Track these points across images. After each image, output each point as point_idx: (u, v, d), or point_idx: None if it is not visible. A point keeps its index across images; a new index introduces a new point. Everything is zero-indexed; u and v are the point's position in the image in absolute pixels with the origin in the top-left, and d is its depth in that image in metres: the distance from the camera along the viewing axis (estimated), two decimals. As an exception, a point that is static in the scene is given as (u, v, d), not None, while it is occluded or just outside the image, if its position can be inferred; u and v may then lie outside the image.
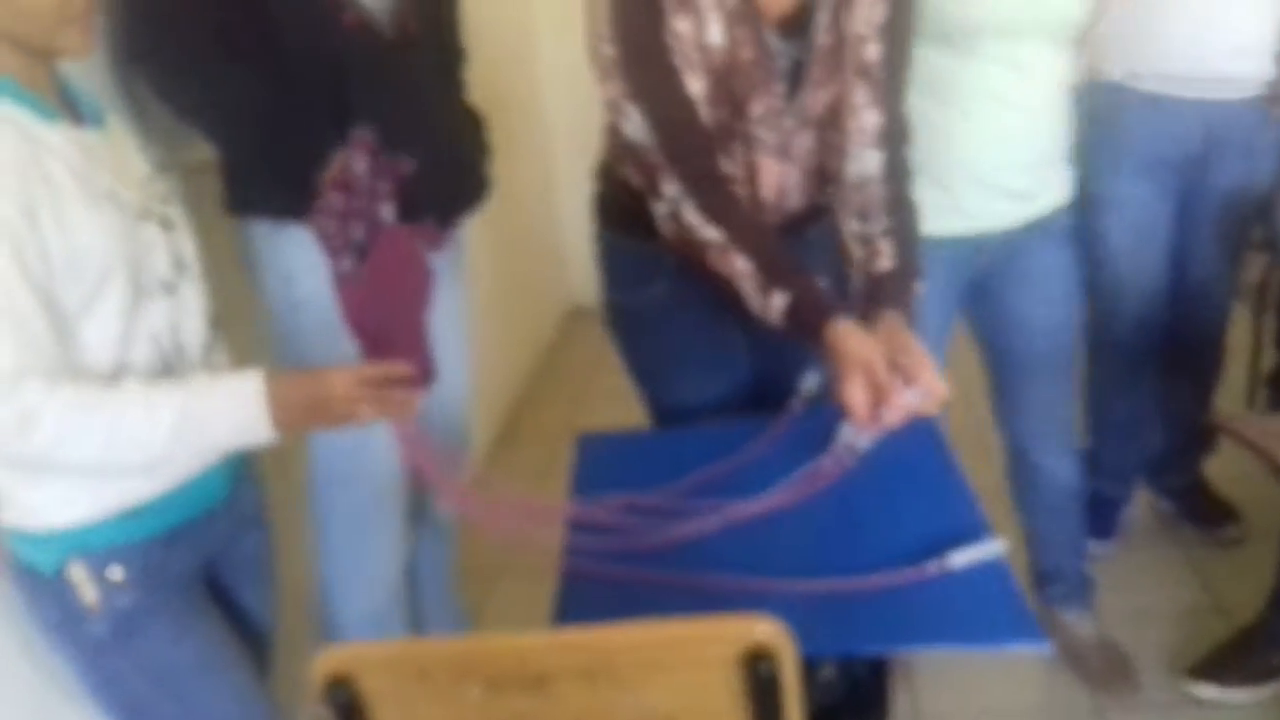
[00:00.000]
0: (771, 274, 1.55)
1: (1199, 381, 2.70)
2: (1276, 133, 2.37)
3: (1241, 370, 3.06)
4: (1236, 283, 2.58)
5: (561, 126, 4.71)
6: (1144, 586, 2.64)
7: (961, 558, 1.31)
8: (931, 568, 1.30)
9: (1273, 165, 2.40)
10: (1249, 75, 2.28)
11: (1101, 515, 2.77)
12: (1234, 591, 2.55)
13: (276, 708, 1.53)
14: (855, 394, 1.44)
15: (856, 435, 1.50)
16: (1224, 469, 2.84)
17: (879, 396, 1.43)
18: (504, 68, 4.02)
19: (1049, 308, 2.19)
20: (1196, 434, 2.76)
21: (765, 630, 1.00)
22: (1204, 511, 2.80)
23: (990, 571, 1.30)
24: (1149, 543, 2.81)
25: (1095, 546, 2.74)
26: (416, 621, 2.18)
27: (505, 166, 3.86)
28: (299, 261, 1.75)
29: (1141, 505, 2.89)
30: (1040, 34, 1.98)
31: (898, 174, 1.68)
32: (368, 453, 1.86)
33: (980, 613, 1.25)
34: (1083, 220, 2.48)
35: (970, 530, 1.37)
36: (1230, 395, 2.95)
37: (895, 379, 1.44)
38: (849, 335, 1.48)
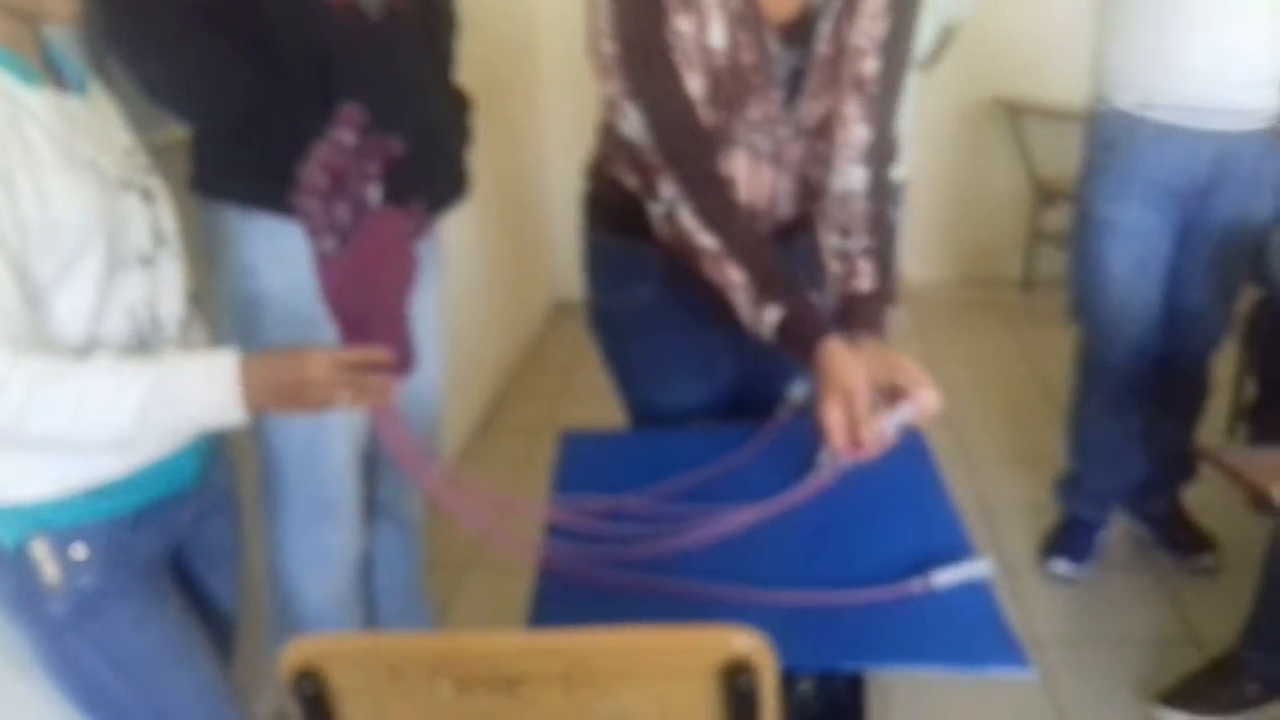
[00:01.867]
0: (766, 287, 1.53)
1: (1185, 410, 2.72)
2: None
3: (1223, 401, 3.08)
4: (1230, 314, 2.59)
5: (558, 120, 4.72)
6: (1119, 612, 2.64)
7: (946, 577, 1.29)
8: (915, 586, 1.29)
9: (1273, 198, 2.43)
10: (1260, 107, 2.31)
11: (1078, 538, 2.80)
12: (1208, 621, 2.56)
13: (237, 694, 1.50)
14: (833, 419, 1.44)
15: (835, 457, 1.49)
16: (1203, 499, 2.84)
17: (855, 424, 1.43)
18: (503, 59, 4.01)
19: None
20: (1179, 462, 2.76)
21: (746, 643, 0.98)
22: (1181, 540, 2.80)
23: (974, 592, 1.29)
24: (1125, 568, 2.81)
25: (1070, 569, 2.76)
26: (374, 613, 2.16)
27: (500, 157, 3.87)
28: (263, 252, 1.72)
29: (1118, 530, 2.90)
30: None
31: (881, 194, 1.67)
32: (324, 441, 1.84)
33: (963, 634, 1.23)
34: (1081, 244, 2.51)
35: (955, 550, 1.36)
36: (1211, 426, 2.97)
37: (875, 410, 1.43)
38: (836, 358, 1.47)
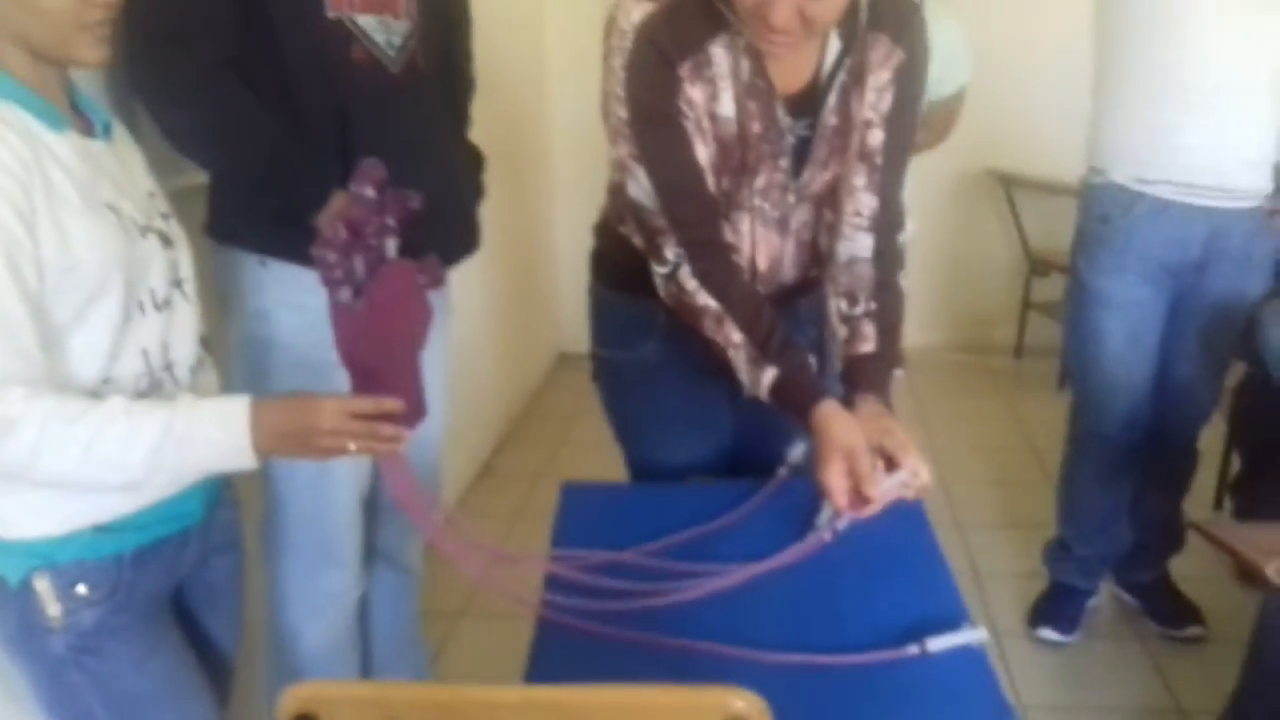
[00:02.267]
0: (764, 349, 1.56)
1: (1173, 481, 2.74)
2: (1272, 244, 2.44)
3: (1210, 474, 3.10)
4: (1220, 388, 2.63)
5: (566, 177, 4.79)
6: (1106, 682, 2.64)
7: (941, 643, 1.30)
8: (911, 650, 1.30)
9: (1264, 276, 2.47)
10: (1255, 186, 2.36)
11: (1066, 606, 2.80)
12: (1192, 690, 2.56)
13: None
14: (835, 480, 1.46)
15: (836, 518, 1.51)
16: (1189, 569, 2.84)
17: (858, 484, 1.45)
18: (515, 116, 4.07)
19: None
20: (1167, 533, 2.78)
21: (745, 703, 0.98)
22: (1168, 609, 2.81)
23: (969, 658, 1.30)
24: (1112, 636, 2.82)
25: (1057, 636, 2.76)
26: (369, 656, 2.15)
27: (509, 210, 3.91)
28: (277, 298, 1.75)
29: (1106, 597, 2.91)
30: None
31: (887, 259, 1.70)
32: (328, 486, 1.85)
33: (958, 700, 1.24)
34: (1075, 315, 2.55)
35: (950, 615, 1.37)
36: (1199, 498, 2.99)
37: (876, 468, 1.46)
38: (833, 419, 1.50)
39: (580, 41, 4.58)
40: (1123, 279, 2.45)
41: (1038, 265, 4.74)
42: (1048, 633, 2.76)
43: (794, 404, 1.55)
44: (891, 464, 1.47)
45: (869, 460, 1.45)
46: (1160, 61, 2.30)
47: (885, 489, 1.45)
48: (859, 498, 1.46)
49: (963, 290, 5.07)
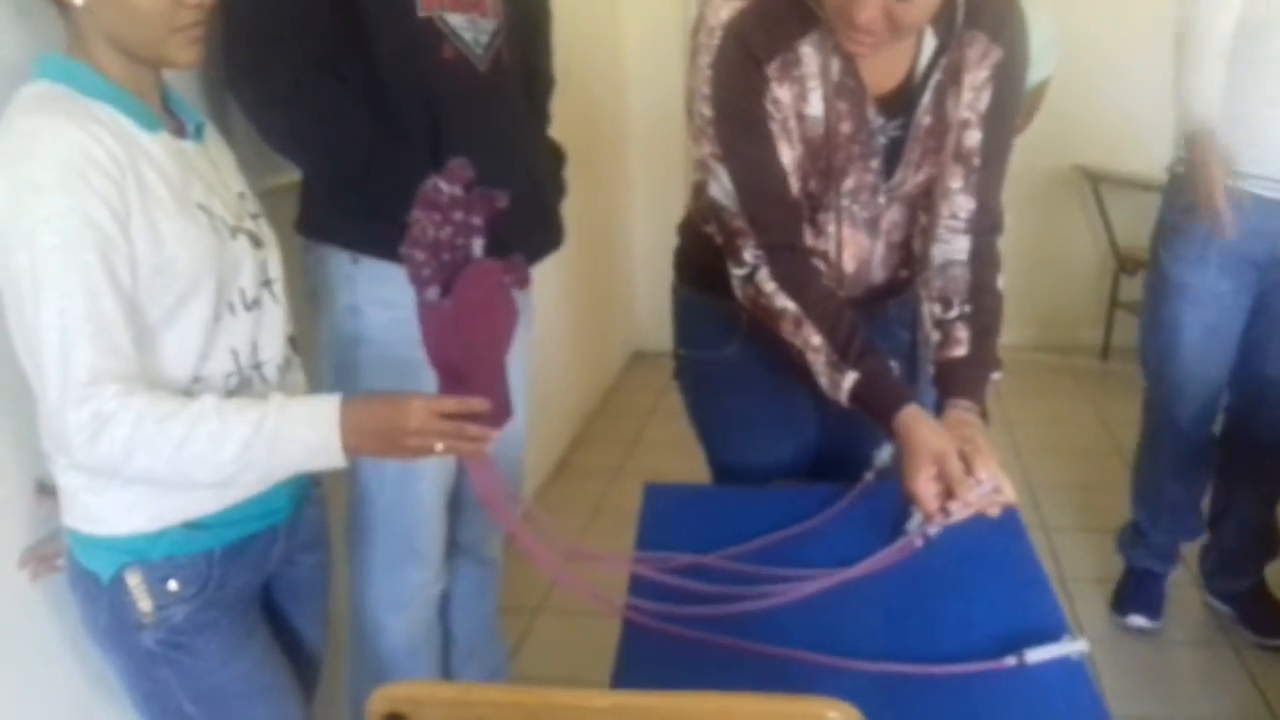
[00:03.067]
0: (844, 352, 1.53)
1: (1265, 482, 2.67)
2: None
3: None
4: None
5: (644, 174, 4.79)
6: (1199, 693, 2.58)
7: (1040, 654, 1.26)
8: (1009, 661, 1.26)
9: None
10: None
11: (1147, 590, 2.81)
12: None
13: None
14: (925, 486, 1.43)
15: (926, 524, 1.47)
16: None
17: (949, 489, 1.42)
18: (592, 112, 4.08)
19: None
20: (1261, 538, 2.72)
21: (840, 714, 0.96)
22: (1264, 617, 2.73)
23: (1068, 670, 1.26)
24: (1205, 644, 2.75)
25: (1145, 622, 2.76)
26: (449, 651, 2.17)
27: (588, 207, 3.93)
28: (367, 295, 1.76)
29: (1198, 604, 2.85)
30: None
31: (984, 261, 1.66)
32: (413, 483, 1.86)
33: (1058, 713, 1.20)
34: (1154, 304, 2.56)
35: (1050, 627, 1.33)
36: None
37: (966, 473, 1.42)
38: (919, 424, 1.47)
39: (658, 37, 4.60)
40: (1204, 271, 2.43)
41: (1126, 263, 4.62)
42: (1137, 619, 2.76)
43: (876, 408, 1.52)
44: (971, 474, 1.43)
45: (958, 465, 1.42)
46: (1249, 58, 2.28)
47: (976, 496, 1.41)
48: (949, 504, 1.42)
49: (1048, 289, 4.94)
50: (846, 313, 1.57)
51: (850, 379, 1.52)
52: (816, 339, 1.55)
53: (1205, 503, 2.78)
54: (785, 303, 1.56)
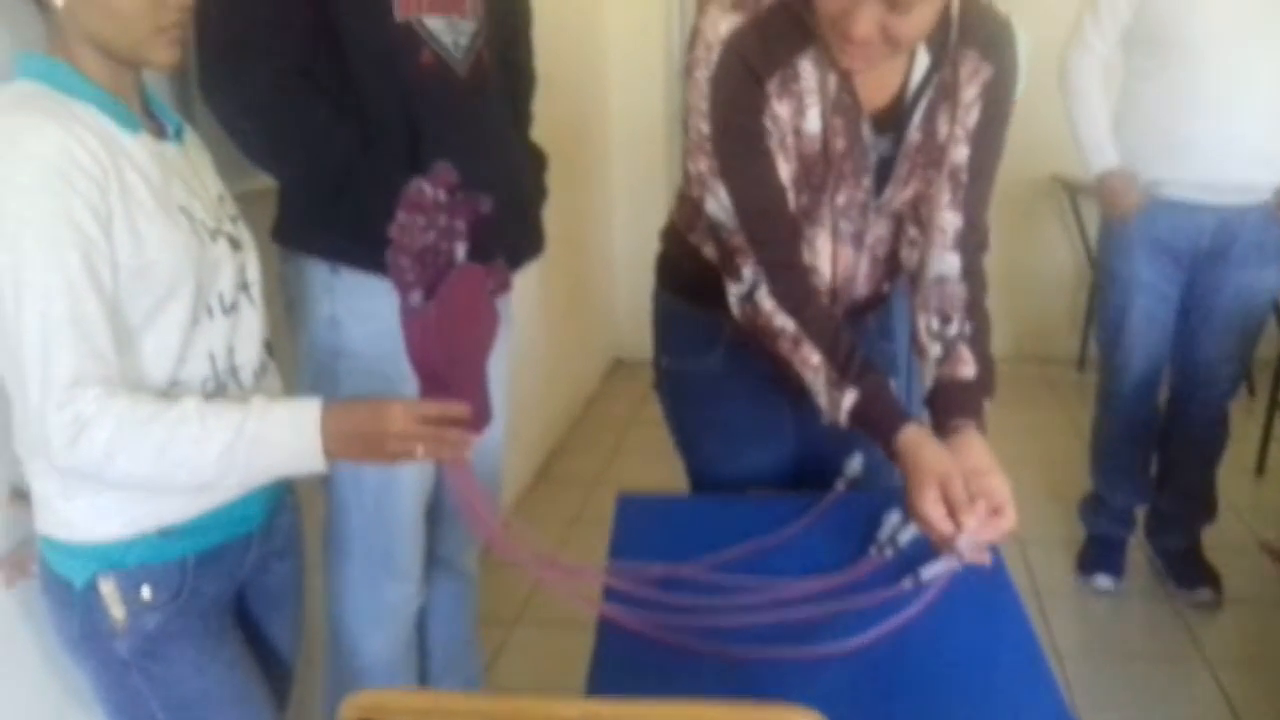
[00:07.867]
0: (844, 371, 1.52)
1: (1201, 453, 3.02)
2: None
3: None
4: (1242, 368, 2.96)
5: (625, 179, 4.77)
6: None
7: (932, 571, 1.36)
8: (906, 584, 1.35)
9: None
10: (1263, 183, 2.66)
11: (1109, 553, 3.12)
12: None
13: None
14: (931, 508, 1.39)
15: (898, 532, 1.50)
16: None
17: (952, 512, 1.39)
18: (575, 118, 4.08)
19: None
20: (1196, 501, 3.05)
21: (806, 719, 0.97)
22: (1187, 573, 3.04)
23: (1039, 678, 1.27)
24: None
25: (1109, 582, 3.09)
26: (426, 663, 2.16)
27: (566, 212, 3.92)
28: (348, 307, 1.75)
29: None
30: None
31: (977, 280, 1.65)
32: (393, 495, 1.84)
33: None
34: (1100, 293, 3.06)
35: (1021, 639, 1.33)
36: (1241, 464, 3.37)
37: (972, 497, 1.39)
38: (923, 445, 1.45)
39: (640, 43, 4.60)
40: (1132, 262, 2.81)
41: (1102, 275, 4.66)
42: (1101, 579, 3.08)
43: (876, 427, 1.50)
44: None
45: (963, 489, 1.39)
46: (1172, 78, 2.60)
47: (976, 526, 1.37)
48: (957, 524, 1.38)
49: (1023, 300, 4.96)
50: (844, 331, 1.56)
51: (850, 398, 1.51)
52: (815, 358, 1.53)
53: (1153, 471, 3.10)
54: (784, 322, 1.55)
